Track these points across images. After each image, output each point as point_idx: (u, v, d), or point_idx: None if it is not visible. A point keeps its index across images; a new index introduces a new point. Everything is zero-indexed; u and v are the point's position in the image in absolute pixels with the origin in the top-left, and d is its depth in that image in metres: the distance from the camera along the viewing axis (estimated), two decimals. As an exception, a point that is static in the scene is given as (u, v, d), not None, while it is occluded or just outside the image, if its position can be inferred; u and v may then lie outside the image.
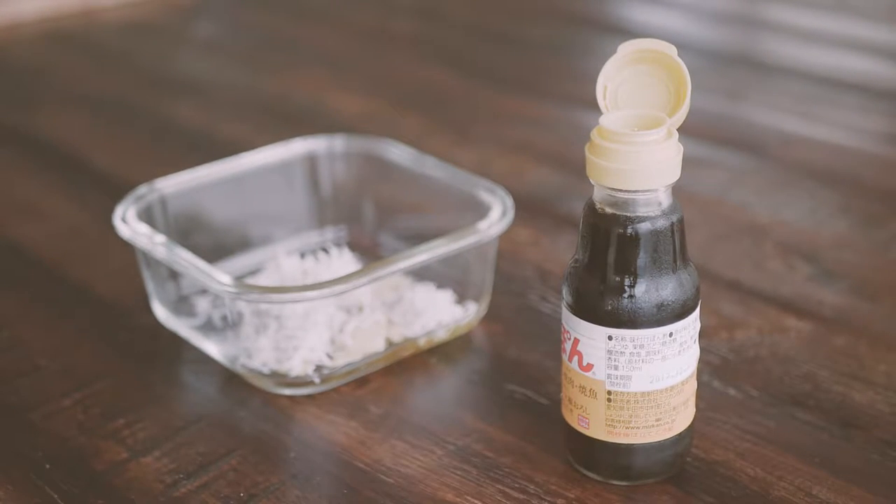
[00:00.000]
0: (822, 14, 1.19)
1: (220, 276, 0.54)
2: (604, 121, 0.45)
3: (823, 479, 0.49)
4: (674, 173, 0.45)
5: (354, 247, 0.68)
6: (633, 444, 0.48)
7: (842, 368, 0.57)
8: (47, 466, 0.51)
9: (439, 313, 0.59)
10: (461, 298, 0.61)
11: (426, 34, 1.18)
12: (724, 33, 1.21)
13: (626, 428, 0.47)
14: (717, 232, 0.72)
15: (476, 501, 0.48)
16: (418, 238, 0.58)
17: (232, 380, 0.57)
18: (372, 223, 0.70)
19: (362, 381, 0.57)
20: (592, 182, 0.45)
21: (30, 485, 0.50)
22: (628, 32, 1.17)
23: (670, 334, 0.46)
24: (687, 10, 1.24)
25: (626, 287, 0.45)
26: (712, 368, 0.57)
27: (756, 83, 1.00)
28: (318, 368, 0.56)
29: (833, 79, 1.00)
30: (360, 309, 0.59)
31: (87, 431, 0.53)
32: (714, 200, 0.76)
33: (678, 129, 0.45)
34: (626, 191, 0.44)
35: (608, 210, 0.45)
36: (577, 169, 0.82)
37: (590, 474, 0.49)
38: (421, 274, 0.62)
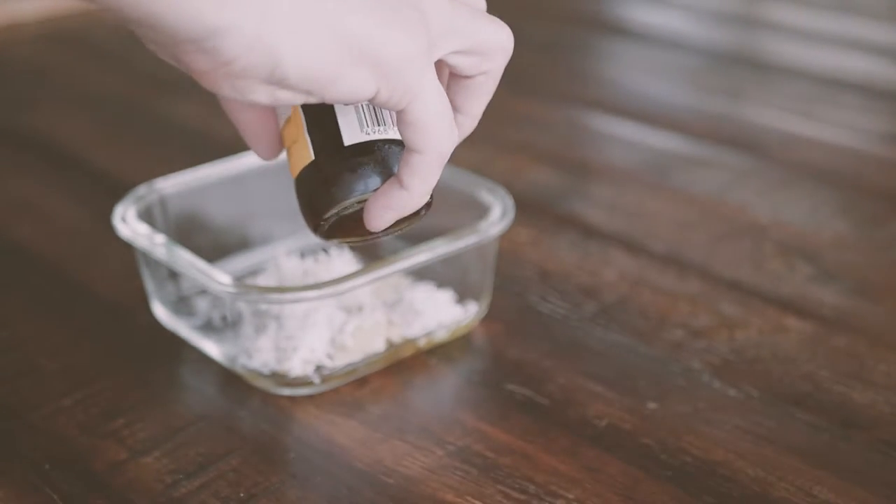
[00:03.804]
0: (822, 14, 1.19)
1: (220, 277, 0.54)
2: None
3: (824, 479, 0.49)
4: None
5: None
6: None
7: (842, 368, 0.57)
8: (47, 466, 0.51)
9: (439, 313, 0.59)
10: (461, 298, 0.61)
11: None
12: (724, 33, 1.21)
13: None
14: (717, 232, 0.72)
15: (476, 501, 0.48)
16: (418, 238, 0.58)
17: (232, 380, 0.57)
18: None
19: (362, 382, 0.57)
20: None
21: (30, 485, 0.50)
22: (628, 32, 1.17)
23: None
24: (687, 10, 1.24)
25: None
26: (713, 369, 0.57)
27: (756, 83, 1.00)
28: (318, 368, 0.56)
29: (833, 79, 1.00)
30: (360, 309, 0.59)
31: (87, 431, 0.53)
32: (714, 200, 0.76)
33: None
34: None
35: None
36: (577, 169, 0.83)
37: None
38: (421, 274, 0.62)
